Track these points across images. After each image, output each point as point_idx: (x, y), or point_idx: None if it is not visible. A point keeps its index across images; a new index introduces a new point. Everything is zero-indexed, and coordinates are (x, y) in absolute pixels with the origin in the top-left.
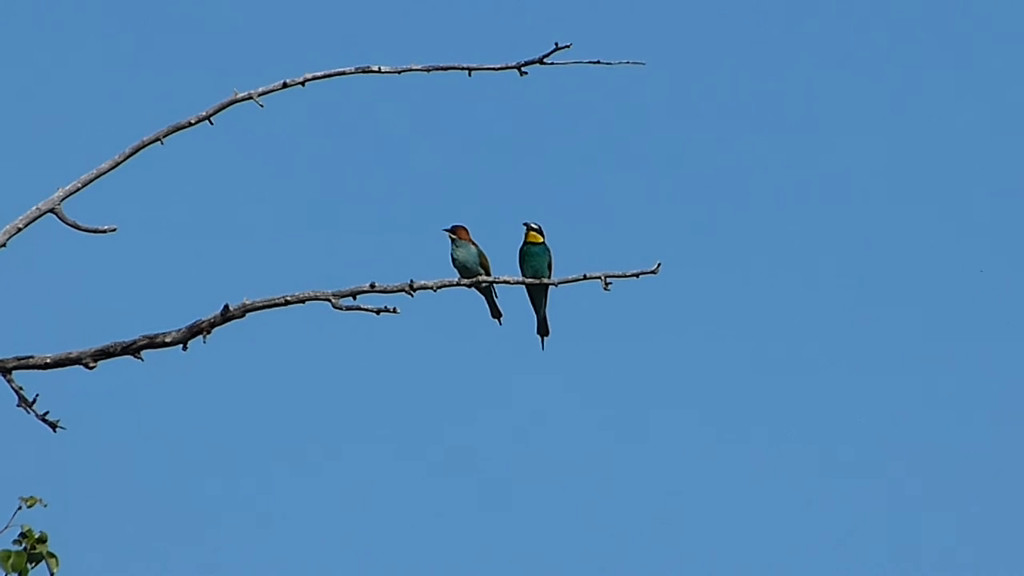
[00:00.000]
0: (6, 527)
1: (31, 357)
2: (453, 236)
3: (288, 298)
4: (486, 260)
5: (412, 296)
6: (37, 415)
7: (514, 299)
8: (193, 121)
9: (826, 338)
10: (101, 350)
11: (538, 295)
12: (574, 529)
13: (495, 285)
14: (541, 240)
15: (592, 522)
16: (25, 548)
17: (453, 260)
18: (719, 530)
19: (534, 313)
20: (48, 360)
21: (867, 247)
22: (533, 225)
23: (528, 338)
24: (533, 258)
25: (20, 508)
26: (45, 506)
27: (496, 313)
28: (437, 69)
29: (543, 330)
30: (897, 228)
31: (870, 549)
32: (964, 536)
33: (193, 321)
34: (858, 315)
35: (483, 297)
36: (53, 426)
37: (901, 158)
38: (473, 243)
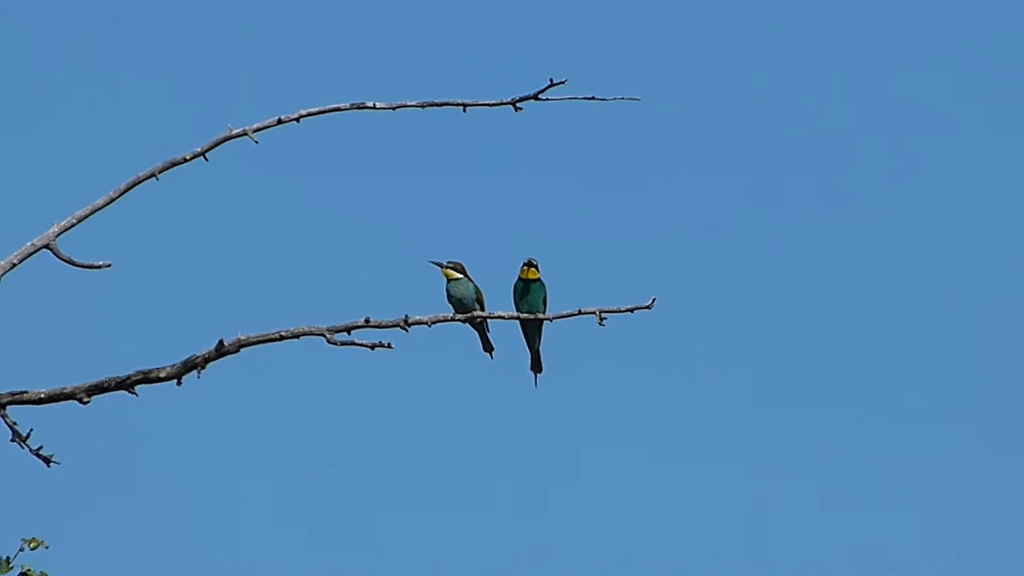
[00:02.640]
0: (9, 568)
1: (25, 392)
2: (448, 269)
3: (283, 333)
4: (481, 295)
5: (407, 331)
6: (31, 450)
7: (507, 334)
8: (188, 157)
9: (824, 372)
10: (95, 385)
11: (532, 331)
12: (558, 547)
13: (488, 320)
14: (537, 277)
15: (589, 549)
16: None
17: (449, 296)
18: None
19: (527, 349)
20: (42, 395)
21: (867, 277)
22: (532, 262)
23: (522, 372)
24: (529, 294)
25: (22, 549)
26: (47, 548)
27: (488, 347)
28: (432, 105)
29: (536, 366)
30: (894, 263)
31: None
32: None
33: (188, 356)
34: (858, 346)
35: (475, 332)
36: (47, 461)
37: (898, 192)
38: (469, 278)
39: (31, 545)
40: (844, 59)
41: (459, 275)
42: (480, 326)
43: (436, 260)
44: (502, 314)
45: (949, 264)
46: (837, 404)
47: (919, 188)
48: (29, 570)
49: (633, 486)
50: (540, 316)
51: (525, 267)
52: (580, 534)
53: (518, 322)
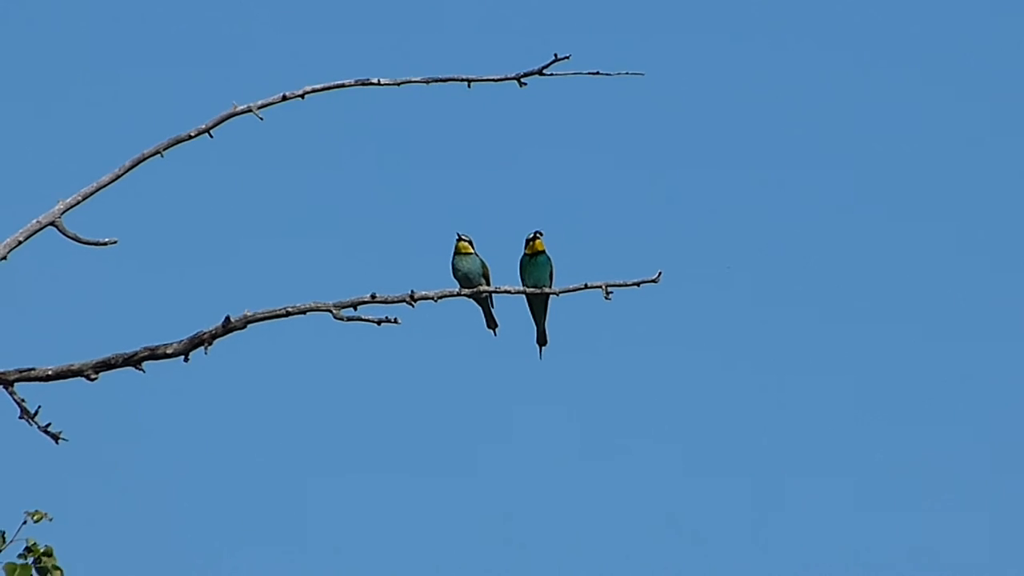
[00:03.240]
0: (11, 540)
1: (33, 369)
2: (463, 241)
3: (289, 309)
4: (487, 270)
5: (413, 307)
6: (39, 427)
7: (513, 309)
8: (193, 134)
9: (827, 346)
10: (103, 362)
11: (538, 305)
12: (572, 539)
13: (492, 295)
14: (542, 250)
15: (588, 531)
16: (31, 561)
17: (455, 270)
18: (716, 541)
19: (534, 324)
20: (50, 372)
21: (868, 257)
22: (538, 234)
23: (528, 349)
24: (535, 268)
25: (25, 522)
26: (51, 520)
27: (492, 323)
28: (436, 81)
29: (542, 340)
30: (898, 237)
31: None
32: None
33: (194, 332)
34: (858, 324)
35: (479, 308)
36: (55, 438)
37: (899, 169)
38: (475, 254)
39: (35, 518)
40: (845, 41)
41: (471, 249)
42: (485, 301)
43: (459, 232)
44: (508, 288)
45: (952, 262)
46: (838, 383)
47: (925, 183)
48: (34, 544)
49: (638, 465)
50: (546, 290)
51: (530, 239)
52: (590, 513)
53: (524, 297)
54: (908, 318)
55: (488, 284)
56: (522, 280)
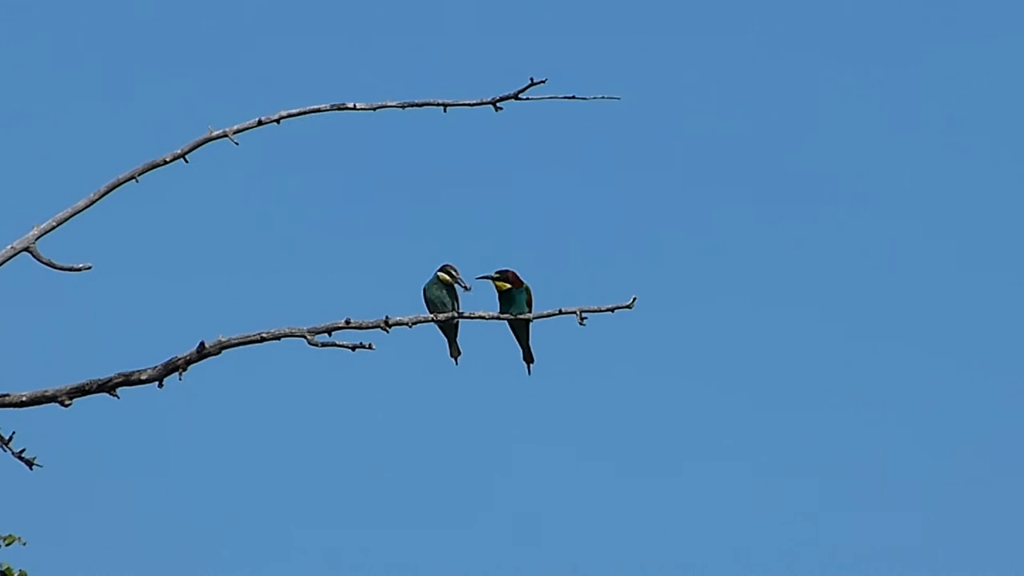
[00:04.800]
0: None
1: (7, 395)
2: (442, 273)
3: (264, 335)
4: (458, 297)
5: (388, 332)
6: (13, 453)
7: (494, 333)
8: (168, 159)
9: (802, 370)
10: (77, 388)
11: (520, 330)
12: (545, 552)
13: (460, 323)
14: (508, 288)
15: (565, 546)
16: None
17: (427, 296)
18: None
19: (519, 346)
20: (24, 398)
21: (847, 278)
22: (495, 275)
23: (513, 369)
24: (512, 301)
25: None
26: (24, 544)
27: (456, 352)
28: (412, 105)
29: (528, 358)
30: (876, 260)
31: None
32: None
33: (169, 358)
34: (835, 347)
35: (445, 337)
36: (29, 464)
37: (880, 192)
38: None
39: (6, 541)
40: (824, 61)
41: (450, 280)
42: (453, 329)
43: (485, 275)
44: (483, 314)
45: (944, 263)
46: (821, 403)
47: (909, 188)
48: (8, 568)
49: (617, 488)
50: (520, 316)
51: (495, 278)
52: (569, 535)
53: (506, 322)
54: (891, 335)
55: (459, 310)
56: (501, 307)
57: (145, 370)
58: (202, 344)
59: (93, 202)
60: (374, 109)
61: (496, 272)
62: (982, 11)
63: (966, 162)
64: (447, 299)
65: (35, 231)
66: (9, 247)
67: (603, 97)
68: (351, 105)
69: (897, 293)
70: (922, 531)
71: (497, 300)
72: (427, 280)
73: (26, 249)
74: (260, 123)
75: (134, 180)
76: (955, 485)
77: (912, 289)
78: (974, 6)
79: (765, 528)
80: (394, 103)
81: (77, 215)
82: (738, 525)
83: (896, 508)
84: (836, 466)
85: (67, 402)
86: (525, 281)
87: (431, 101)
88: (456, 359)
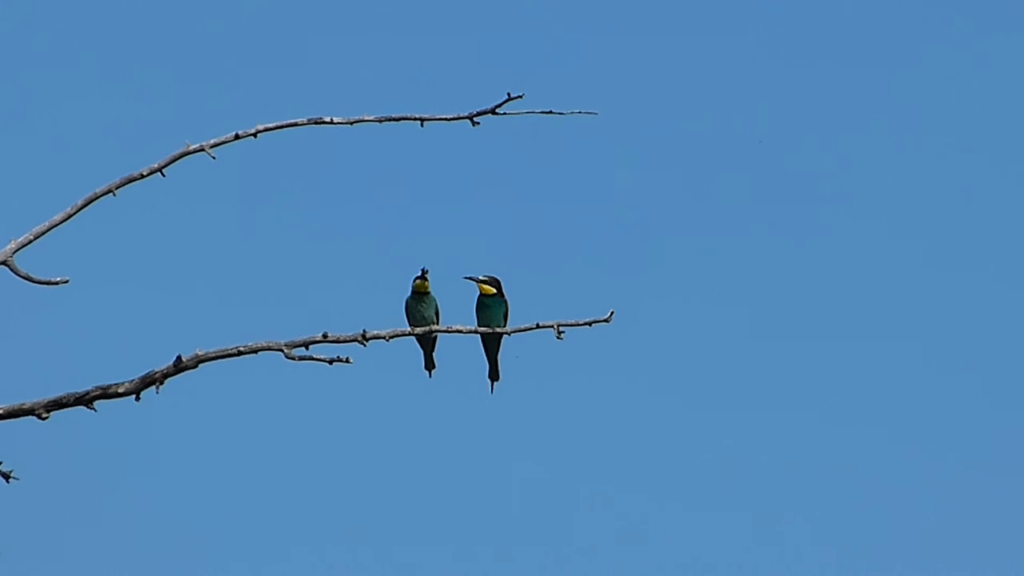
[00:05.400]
0: None
1: None
2: (420, 280)
3: (241, 348)
4: (439, 310)
5: (365, 346)
6: None
7: (466, 345)
8: (145, 173)
9: (782, 382)
10: (54, 401)
11: (491, 343)
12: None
13: (437, 338)
14: (493, 292)
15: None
16: None
17: (408, 310)
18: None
19: (486, 360)
20: (1, 411)
21: (825, 289)
22: (483, 278)
23: (478, 384)
24: (489, 310)
25: None
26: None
27: (431, 365)
28: (389, 120)
29: (494, 375)
30: (853, 273)
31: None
32: None
33: (146, 372)
34: (813, 359)
35: (422, 349)
36: (6, 477)
37: (860, 201)
38: (430, 293)
39: None
40: (803, 69)
41: (428, 288)
42: (431, 343)
43: (471, 276)
44: (460, 328)
45: (919, 266)
46: (801, 411)
47: (901, 191)
48: None
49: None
50: (498, 330)
51: (479, 283)
52: (547, 549)
53: (479, 336)
54: (886, 340)
55: (438, 324)
56: (477, 320)
57: (122, 383)
58: (179, 358)
59: (70, 215)
60: (351, 123)
61: (483, 276)
62: (982, 11)
63: (965, 162)
64: (428, 312)
65: (12, 244)
66: None
67: (580, 112)
68: (328, 119)
69: (897, 297)
70: (921, 532)
71: (474, 311)
72: (406, 295)
73: (3, 263)
74: (237, 137)
75: (111, 194)
76: (955, 486)
77: (912, 293)
78: (974, 6)
79: (739, 545)
80: (371, 117)
81: (54, 228)
82: (715, 541)
83: (894, 507)
84: (831, 471)
85: (44, 415)
86: (505, 295)
87: (408, 116)
88: (431, 372)
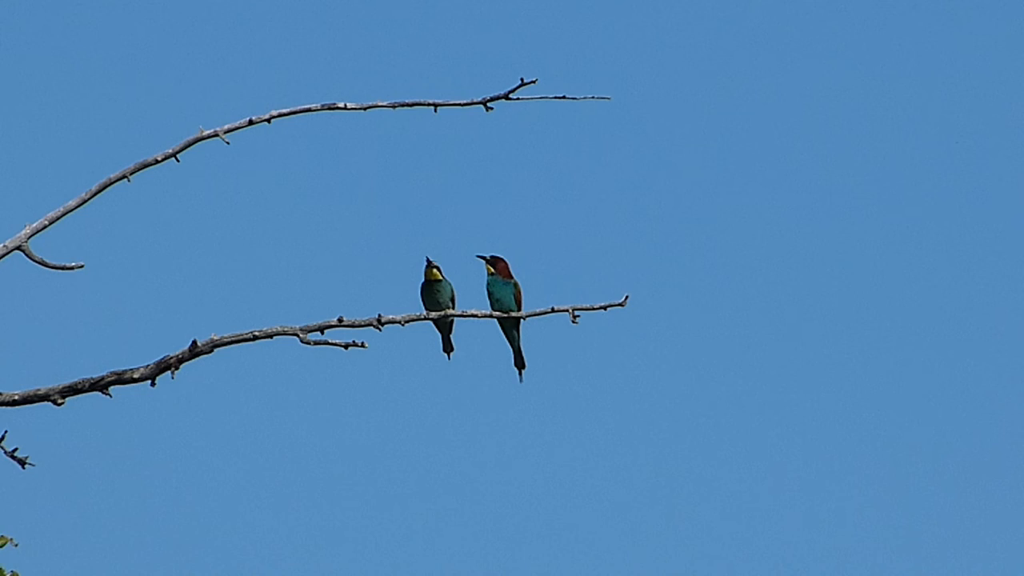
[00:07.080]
0: None
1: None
2: (435, 268)
3: (256, 333)
4: (454, 295)
5: (380, 330)
6: (6, 452)
7: (485, 332)
8: (159, 158)
9: (795, 367)
10: (69, 386)
11: (510, 328)
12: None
13: (454, 321)
14: (492, 272)
15: (569, 543)
16: None
17: (423, 295)
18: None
19: (509, 347)
20: (16, 397)
21: (835, 275)
22: (487, 256)
23: (505, 370)
24: (498, 292)
25: None
26: (16, 546)
27: (449, 348)
28: (403, 105)
29: (519, 363)
30: (863, 257)
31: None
32: None
33: (161, 357)
34: (825, 342)
35: (439, 333)
36: (22, 463)
37: (868, 190)
38: (445, 279)
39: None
40: (813, 59)
41: (440, 276)
42: (447, 326)
43: (481, 255)
44: (475, 312)
45: (929, 261)
46: (816, 398)
47: (900, 189)
48: (0, 569)
49: (609, 485)
50: (513, 314)
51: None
52: (561, 535)
53: (496, 321)
54: (888, 334)
55: (454, 308)
56: (490, 304)
57: (137, 368)
58: (194, 343)
59: (85, 201)
60: (365, 109)
61: (489, 255)
62: (982, 11)
63: (965, 163)
64: (443, 298)
65: (27, 230)
66: (1, 246)
67: (593, 97)
68: (342, 105)
69: (895, 297)
70: (921, 532)
71: (486, 295)
72: (421, 280)
73: (18, 248)
74: (251, 123)
75: (126, 179)
76: (955, 486)
77: (911, 293)
78: (974, 7)
79: (759, 529)
80: (385, 103)
81: (69, 214)
82: (734, 526)
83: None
84: (840, 463)
85: (59, 401)
86: (515, 277)
87: (421, 101)
88: (449, 355)
